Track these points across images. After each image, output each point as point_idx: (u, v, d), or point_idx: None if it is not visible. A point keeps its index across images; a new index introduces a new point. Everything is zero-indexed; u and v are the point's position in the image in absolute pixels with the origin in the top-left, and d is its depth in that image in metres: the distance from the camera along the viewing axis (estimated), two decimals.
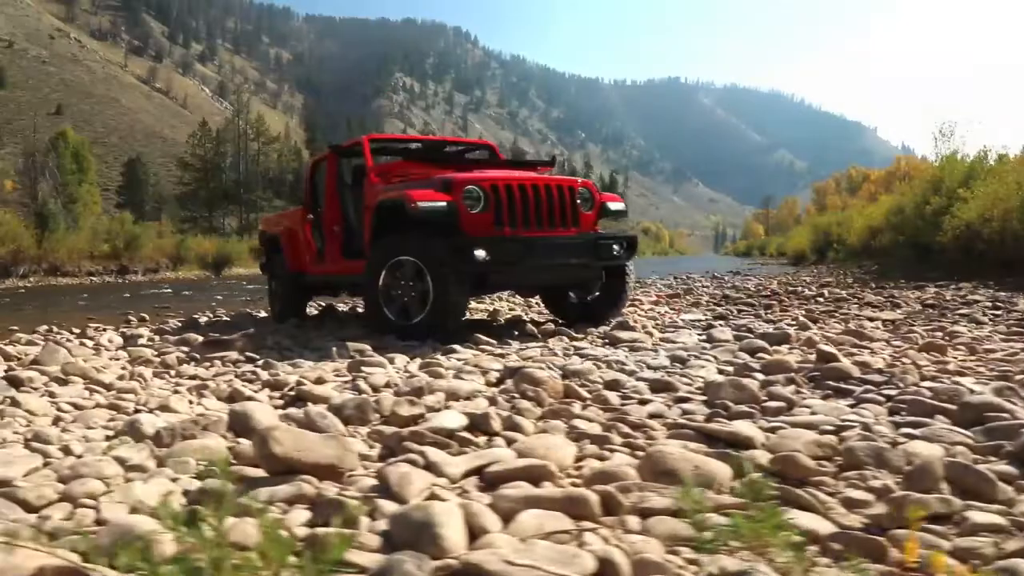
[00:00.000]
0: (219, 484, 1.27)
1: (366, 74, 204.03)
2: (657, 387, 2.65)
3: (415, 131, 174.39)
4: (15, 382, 3.15)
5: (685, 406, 2.33)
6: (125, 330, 5.98)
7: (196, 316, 8.25)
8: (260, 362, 3.64)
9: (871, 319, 5.34)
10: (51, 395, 2.94)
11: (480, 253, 4.08)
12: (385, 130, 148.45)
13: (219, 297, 14.43)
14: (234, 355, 3.83)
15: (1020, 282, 9.56)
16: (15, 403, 2.68)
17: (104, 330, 6.44)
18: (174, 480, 1.64)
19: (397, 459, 1.64)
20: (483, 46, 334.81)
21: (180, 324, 7.07)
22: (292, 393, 2.76)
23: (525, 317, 6.10)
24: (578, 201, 4.69)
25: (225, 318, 7.47)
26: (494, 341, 4.07)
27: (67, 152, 37.46)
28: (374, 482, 1.52)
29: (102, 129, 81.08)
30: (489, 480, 1.53)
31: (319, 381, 2.93)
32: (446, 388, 2.55)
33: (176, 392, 2.86)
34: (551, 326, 4.88)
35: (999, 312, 5.69)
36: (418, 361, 3.51)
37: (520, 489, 1.43)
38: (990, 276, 10.75)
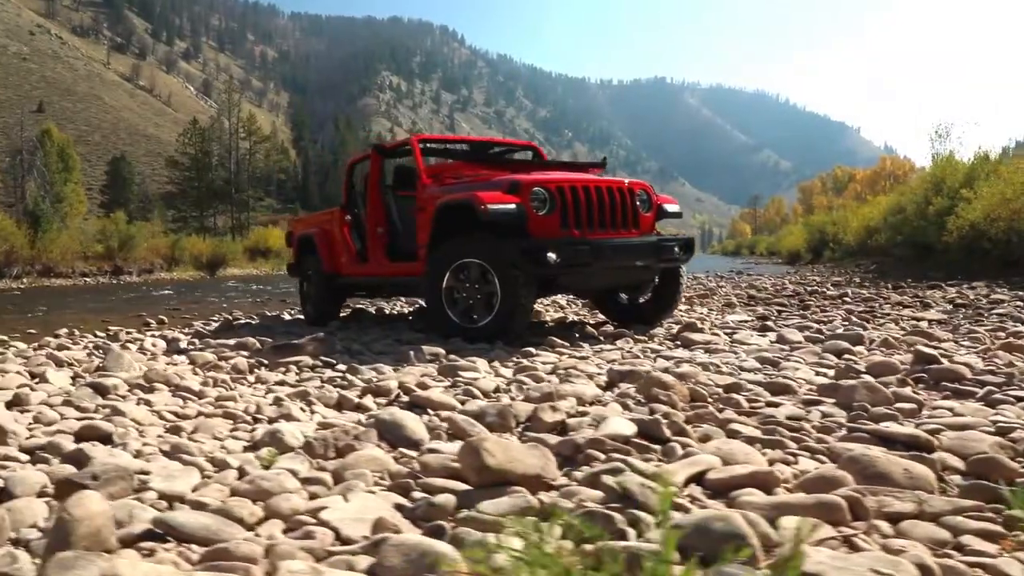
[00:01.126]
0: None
1: (352, 72, 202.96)
2: (774, 389, 2.65)
3: (402, 130, 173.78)
4: (100, 390, 3.09)
5: (822, 408, 2.32)
6: (167, 333, 5.90)
7: (216, 318, 8.17)
8: (342, 367, 3.60)
9: (917, 319, 5.38)
10: (146, 403, 2.88)
11: (552, 255, 4.06)
12: (372, 129, 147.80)
13: (225, 298, 14.31)
14: (307, 359, 3.78)
15: (1021, 280, 9.71)
16: (117, 412, 2.63)
17: (129, 332, 6.36)
18: (371, 493, 1.60)
19: (598, 467, 1.62)
20: (470, 45, 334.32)
21: (209, 327, 7.00)
22: (406, 399, 2.73)
23: (572, 319, 6.10)
24: (637, 203, 4.68)
25: (249, 320, 7.40)
26: (567, 343, 4.06)
27: (52, 150, 36.91)
28: (592, 491, 1.50)
29: (85, 127, 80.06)
30: (714, 487, 1.52)
31: (422, 386, 2.89)
32: (571, 392, 2.52)
33: (279, 400, 2.81)
34: (610, 328, 4.87)
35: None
36: (510, 364, 3.49)
37: (757, 496, 1.41)
38: (994, 275, 10.89)
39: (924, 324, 4.92)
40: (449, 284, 4.46)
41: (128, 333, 6.38)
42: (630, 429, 1.95)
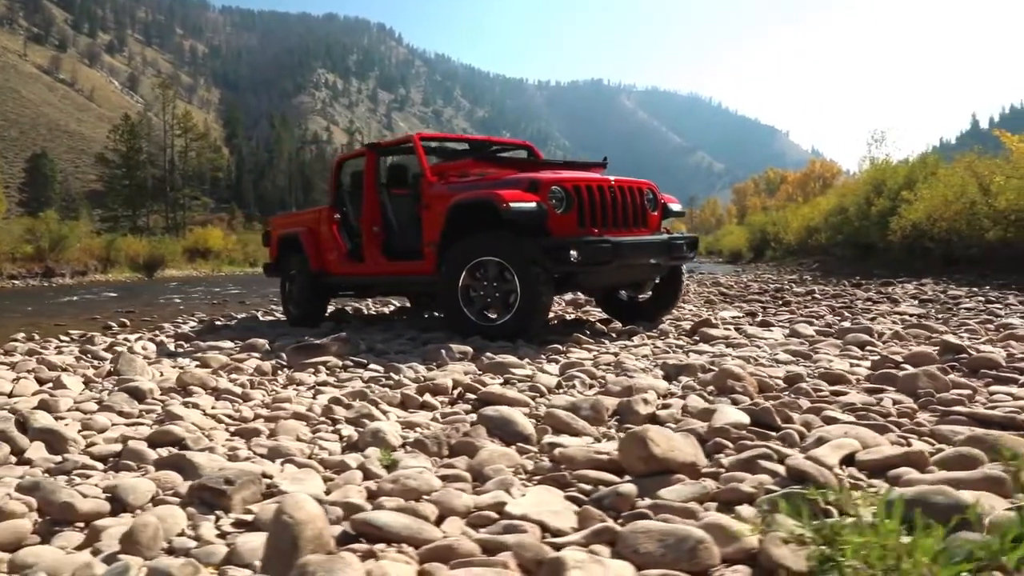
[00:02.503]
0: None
1: (286, 69, 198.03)
2: (830, 379, 2.75)
3: (339, 128, 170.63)
4: (137, 395, 2.96)
5: (890, 396, 2.43)
6: (154, 336, 5.66)
7: (182, 320, 7.87)
8: (376, 367, 3.54)
9: (898, 313, 5.64)
10: (194, 406, 2.77)
11: (574, 253, 4.10)
12: (308, 127, 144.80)
13: (177, 301, 13.78)
14: (333, 360, 3.69)
15: (966, 278, 10.33)
16: (173, 416, 2.52)
17: (104, 335, 6.07)
18: (527, 485, 1.60)
19: (746, 454, 1.65)
20: (407, 44, 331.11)
21: (182, 329, 6.77)
22: (471, 396, 2.71)
23: (568, 317, 6.15)
24: (646, 202, 4.77)
25: (227, 322, 7.16)
26: (592, 341, 4.10)
27: None
28: (750, 476, 1.53)
29: (2, 122, 75.60)
30: (869, 468, 1.58)
31: (481, 384, 2.88)
32: (647, 386, 2.56)
33: (337, 400, 2.74)
34: (617, 325, 4.94)
35: (999, 304, 6.11)
36: (545, 360, 3.50)
37: (917, 474, 1.48)
38: (936, 272, 11.54)
39: (911, 318, 5.17)
40: (465, 282, 4.44)
41: (105, 336, 6.11)
42: (745, 418, 2.00)
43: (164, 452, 2.12)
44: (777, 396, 2.48)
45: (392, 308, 8.33)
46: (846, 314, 5.46)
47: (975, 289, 7.95)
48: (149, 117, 46.92)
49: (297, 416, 2.48)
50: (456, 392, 2.81)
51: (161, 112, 45.60)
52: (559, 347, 3.89)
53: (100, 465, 2.06)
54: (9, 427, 2.35)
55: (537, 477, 1.69)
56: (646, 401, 2.27)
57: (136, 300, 13.70)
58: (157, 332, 6.63)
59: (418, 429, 2.26)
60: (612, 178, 4.66)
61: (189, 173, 48.29)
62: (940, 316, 5.39)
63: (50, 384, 3.43)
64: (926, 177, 15.18)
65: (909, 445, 1.83)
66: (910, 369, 2.79)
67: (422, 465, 1.79)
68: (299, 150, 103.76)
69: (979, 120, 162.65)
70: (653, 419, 2.24)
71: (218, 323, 7.03)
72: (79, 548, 1.47)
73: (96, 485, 1.83)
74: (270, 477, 1.75)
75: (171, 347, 5.20)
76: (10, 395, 3.21)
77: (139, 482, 1.72)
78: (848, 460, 1.64)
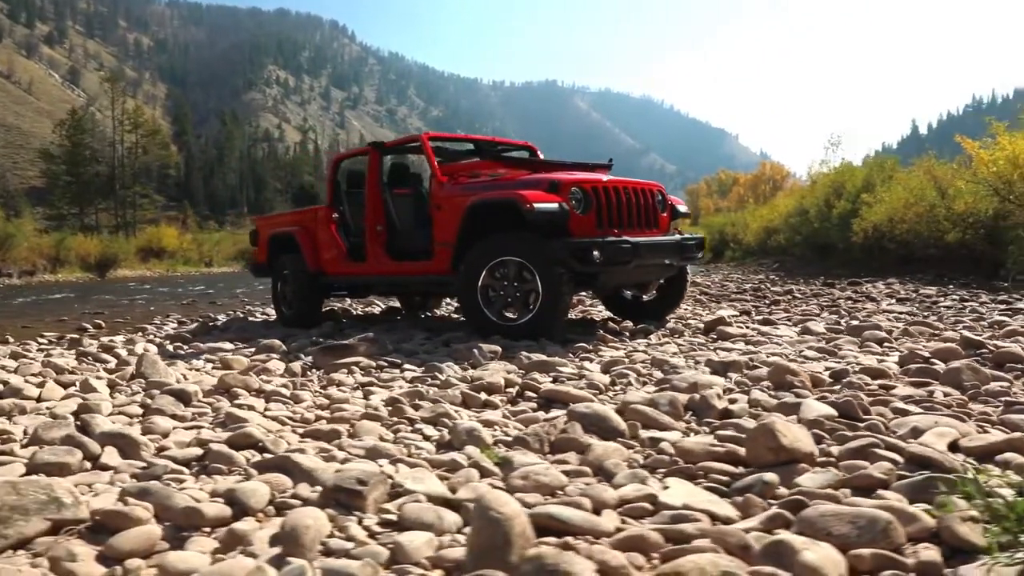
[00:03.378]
0: None
1: (236, 65, 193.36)
2: (871, 374, 2.86)
3: (290, 126, 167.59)
4: (183, 397, 2.89)
5: (940, 389, 2.54)
6: (149, 338, 5.50)
7: (159, 321, 7.66)
8: (412, 366, 3.53)
9: (885, 311, 5.87)
10: (249, 408, 2.73)
11: (597, 254, 4.15)
12: (260, 125, 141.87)
13: (141, 300, 13.39)
14: (364, 360, 3.67)
15: (926, 277, 10.80)
16: (235, 419, 2.48)
17: (90, 338, 5.88)
18: (657, 479, 1.64)
19: (854, 444, 1.73)
20: (361, 42, 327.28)
21: (164, 330, 6.62)
22: (531, 394, 2.74)
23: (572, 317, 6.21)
24: (656, 203, 4.86)
25: (211, 322, 7.01)
26: (616, 339, 4.16)
27: None
28: (862, 462, 1.61)
29: None
30: (975, 454, 1.67)
31: (535, 381, 2.91)
32: (708, 381, 2.63)
33: (395, 401, 2.73)
34: (629, 324, 5.02)
35: (975, 303, 6.40)
36: (578, 359, 3.54)
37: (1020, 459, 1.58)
38: (896, 272, 12.02)
39: (905, 316, 5.38)
40: (485, 282, 4.45)
41: (91, 339, 5.92)
42: (830, 410, 2.08)
43: (248, 455, 2.10)
44: (831, 390, 2.58)
45: (379, 308, 8.27)
46: (842, 311, 5.65)
47: (944, 288, 8.31)
48: (92, 112, 45.10)
49: (368, 416, 2.46)
50: (514, 390, 2.83)
51: (110, 106, 43.97)
52: (586, 346, 3.94)
53: (185, 469, 2.02)
54: (74, 432, 2.28)
55: (661, 470, 1.73)
56: (719, 396, 2.34)
57: (97, 301, 13.24)
58: (140, 334, 6.46)
59: (505, 427, 2.28)
60: (628, 180, 4.74)
61: (138, 170, 46.77)
62: (926, 314, 5.63)
63: (73, 387, 3.32)
64: (884, 180, 15.79)
65: (987, 433, 1.93)
66: (939, 364, 2.94)
67: (536, 462, 1.81)
68: (250, 148, 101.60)
69: (919, 126, 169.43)
70: (727, 414, 2.31)
71: (209, 324, 6.88)
72: (217, 552, 1.45)
73: (201, 489, 1.80)
74: (391, 477, 1.75)
75: (170, 349, 5.08)
76: (39, 399, 3.10)
77: (257, 485, 1.70)
78: (952, 447, 1.73)
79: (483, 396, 2.73)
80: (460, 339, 4.39)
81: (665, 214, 4.99)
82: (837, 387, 2.68)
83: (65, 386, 3.35)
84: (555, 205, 4.20)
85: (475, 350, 3.71)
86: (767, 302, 7.04)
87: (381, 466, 1.91)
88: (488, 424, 2.33)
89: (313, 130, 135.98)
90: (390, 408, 2.57)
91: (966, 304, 6.32)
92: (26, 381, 3.28)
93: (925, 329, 4.30)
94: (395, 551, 1.36)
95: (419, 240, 5.36)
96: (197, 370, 4.00)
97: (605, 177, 4.74)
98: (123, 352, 4.71)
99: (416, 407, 2.55)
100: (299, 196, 68.59)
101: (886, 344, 3.73)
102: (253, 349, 4.49)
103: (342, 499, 1.58)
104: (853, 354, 3.45)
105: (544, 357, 3.41)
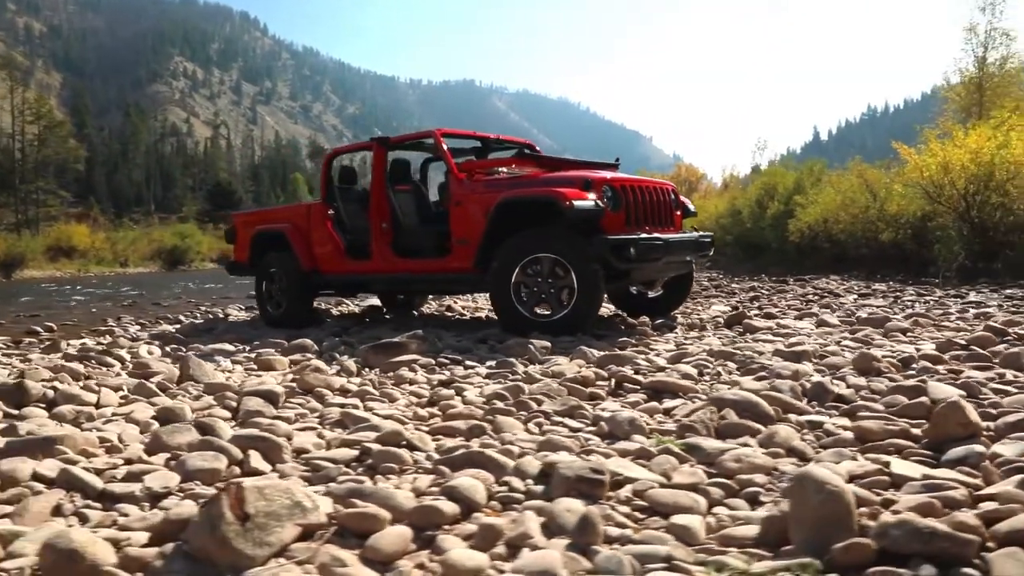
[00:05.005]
0: None
1: (140, 55, 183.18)
2: (930, 360, 3.06)
3: (200, 121, 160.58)
4: (272, 399, 2.78)
5: (1007, 371, 2.75)
6: (145, 340, 5.20)
7: (113, 325, 7.23)
8: (474, 363, 3.51)
9: (865, 305, 6.25)
10: (352, 407, 2.65)
11: (633, 251, 4.24)
12: (167, 118, 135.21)
13: (73, 302, 12.56)
14: (421, 358, 3.62)
15: (860, 274, 11.57)
16: (355, 419, 2.42)
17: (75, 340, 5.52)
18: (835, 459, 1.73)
19: (1011, 418, 1.87)
20: (273, 35, 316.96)
21: (130, 332, 6.29)
22: (632, 386, 2.79)
23: None
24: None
25: (192, 320, 6.69)
26: (656, 334, 4.26)
27: None
28: None
29: None
30: None
31: (630, 373, 2.96)
32: (804, 371, 2.75)
33: (500, 396, 2.72)
34: (646, 319, 5.14)
35: (934, 298, 6.89)
36: (644, 352, 3.61)
37: None
38: (828, 270, 12.80)
39: (878, 309, 5.75)
40: (518, 279, 4.47)
41: (86, 341, 5.59)
42: (956, 391, 2.23)
43: (405, 453, 2.05)
44: (907, 375, 2.75)
45: (360, 307, 8.10)
46: (833, 306, 5.96)
47: (894, 284, 8.89)
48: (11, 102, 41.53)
49: (500, 412, 2.43)
50: (606, 383, 2.87)
51: (9, 96, 40.75)
52: (630, 340, 4.03)
53: (349, 470, 1.96)
54: (212, 437, 2.17)
55: (849, 448, 1.83)
56: (832, 385, 2.46)
57: (21, 304, 12.31)
58: (109, 336, 6.12)
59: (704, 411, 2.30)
60: (647, 179, 4.86)
61: (39, 164, 43.55)
62: (901, 307, 6.02)
63: (124, 391, 3.13)
64: (814, 183, 16.70)
65: None
66: (977, 349, 3.19)
67: (731, 446, 1.87)
68: (157, 143, 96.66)
69: (820, 133, 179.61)
70: (839, 398, 2.44)
71: (196, 325, 6.59)
72: (476, 548, 1.42)
73: (397, 487, 1.76)
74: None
75: (169, 351, 4.84)
76: (97, 405, 2.91)
77: (472, 481, 1.67)
78: None
79: (588, 389, 2.76)
80: (494, 336, 4.39)
81: (679, 213, 5.14)
82: (911, 372, 2.86)
83: (114, 390, 3.15)
84: (591, 203, 4.27)
85: (530, 345, 3.73)
86: (748, 298, 7.34)
87: (587, 458, 1.90)
88: (607, 416, 2.35)
89: (225, 125, 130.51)
90: (499, 404, 2.56)
91: (926, 298, 6.79)
92: (69, 387, 3.05)
93: (928, 321, 4.62)
94: (680, 534, 1.39)
95: (430, 237, 5.31)
96: (229, 371, 3.84)
97: (633, 177, 4.84)
98: (144, 353, 4.45)
99: (538, 401, 2.55)
100: (215, 194, 65.88)
101: (909, 334, 3.99)
102: (257, 349, 4.36)
103: (584, 489, 1.59)
104: (889, 343, 3.67)
105: (616, 351, 3.47)
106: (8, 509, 1.71)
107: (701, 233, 5.19)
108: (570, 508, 1.48)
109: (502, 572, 1.30)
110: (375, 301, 8.10)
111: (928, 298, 6.77)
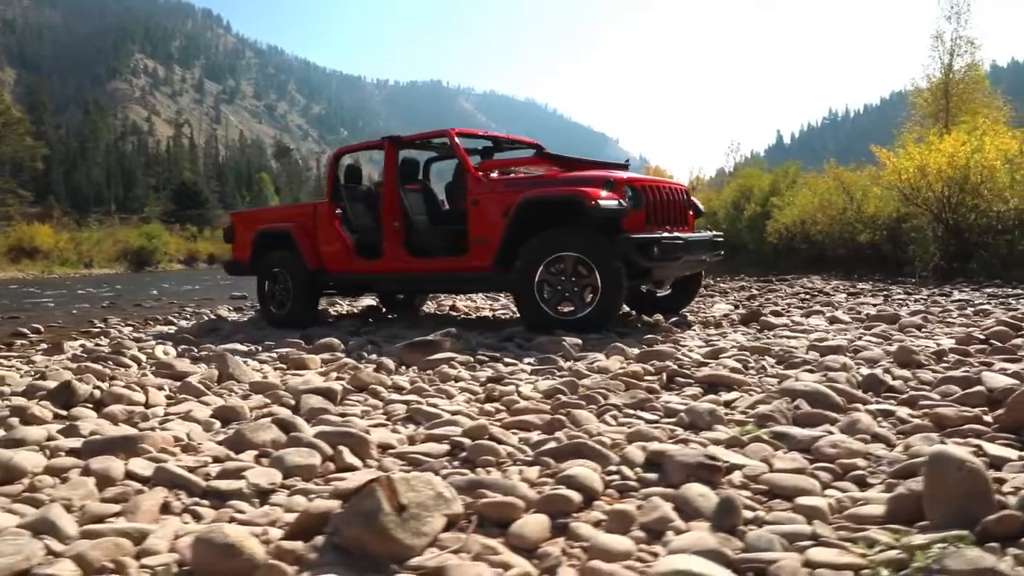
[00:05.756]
0: None
1: (99, 52, 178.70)
2: (960, 353, 3.19)
3: (161, 119, 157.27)
4: (331, 396, 2.79)
5: None
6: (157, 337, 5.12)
7: (100, 327, 7.08)
8: (512, 360, 3.54)
9: (863, 303, 6.43)
10: (416, 403, 2.67)
11: (656, 250, 4.32)
12: (128, 117, 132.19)
13: (46, 304, 12.23)
14: (458, 356, 3.64)
15: (838, 273, 11.89)
16: (428, 415, 2.44)
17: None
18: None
19: None
20: (237, 33, 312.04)
21: (125, 332, 6.20)
22: (688, 380, 2.85)
23: None
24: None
25: (191, 321, 6.59)
26: (678, 331, 4.35)
27: None
28: None
29: None
30: None
31: (682, 368, 3.03)
32: (850, 363, 2.85)
33: (559, 392, 2.76)
34: (660, 317, 5.23)
35: (920, 296, 7.11)
36: (691, 347, 3.69)
37: None
38: (804, 270, 13.12)
39: (887, 307, 5.93)
40: (541, 278, 4.51)
41: (84, 343, 5.50)
42: (1011, 380, 2.34)
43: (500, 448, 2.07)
44: (944, 367, 2.87)
45: (354, 308, 8.05)
46: (834, 304, 6.12)
47: (878, 284, 9.15)
48: None
49: (570, 406, 2.47)
50: (664, 377, 2.93)
51: None
52: (656, 337, 4.10)
53: (446, 464, 1.98)
54: (295, 434, 2.18)
55: (932, 434, 1.92)
56: (885, 372, 2.57)
57: None
58: (103, 337, 6.01)
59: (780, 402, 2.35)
60: (662, 179, 4.95)
61: None
62: (895, 305, 6.21)
63: (163, 392, 3.09)
64: (788, 185, 17.07)
65: None
66: (997, 343, 3.33)
67: (820, 434, 1.94)
68: (117, 141, 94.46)
69: (783, 136, 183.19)
70: (891, 390, 2.54)
71: (203, 325, 6.50)
72: (615, 533, 1.46)
73: (506, 479, 1.78)
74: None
75: (180, 352, 4.78)
76: (146, 405, 2.88)
77: (585, 471, 1.71)
78: None
79: (643, 383, 2.82)
80: (519, 334, 4.43)
81: (692, 212, 5.24)
82: (946, 363, 2.98)
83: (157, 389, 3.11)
84: (615, 202, 4.34)
85: (564, 342, 3.78)
86: (745, 297, 7.50)
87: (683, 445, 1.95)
88: (667, 413, 2.41)
89: (188, 124, 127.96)
90: (562, 398, 2.60)
91: (914, 297, 7.01)
92: (115, 387, 3.00)
93: (932, 316, 4.79)
94: (809, 514, 1.46)
95: (443, 236, 5.33)
96: (260, 371, 3.82)
97: (650, 177, 4.93)
98: (159, 353, 4.40)
99: (603, 395, 2.60)
100: (180, 194, 64.56)
101: (924, 330, 4.14)
102: (275, 349, 4.36)
103: (703, 475, 1.64)
104: (908, 339, 3.80)
105: (645, 347, 3.54)
106: (115, 508, 1.70)
107: (714, 233, 5.30)
108: (702, 493, 1.54)
109: (655, 555, 1.35)
110: (369, 301, 8.08)
111: (917, 296, 6.98)
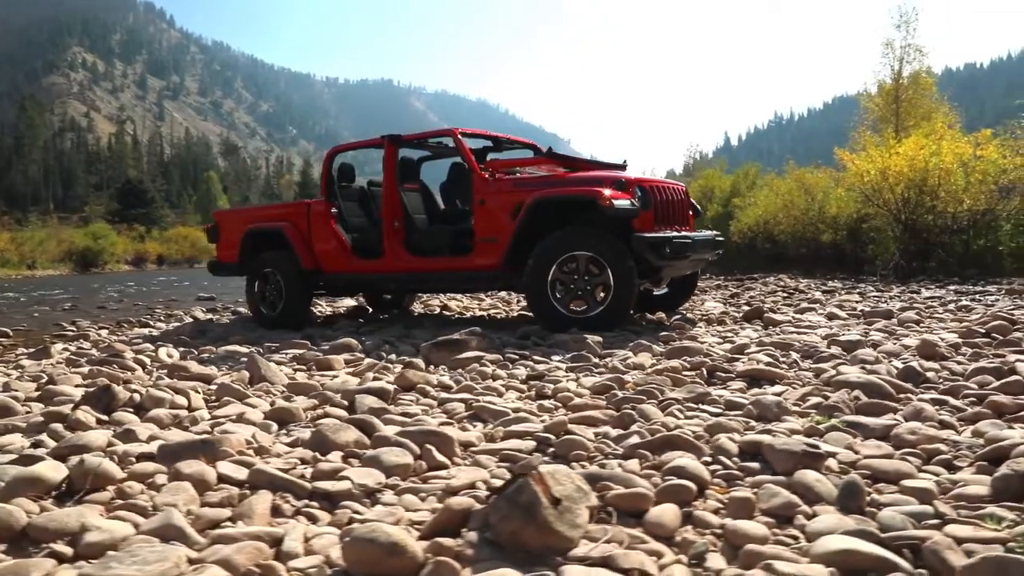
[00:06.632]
0: None
1: (34, 45, 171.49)
2: (970, 346, 3.38)
3: (101, 116, 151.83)
4: (381, 395, 2.79)
5: None
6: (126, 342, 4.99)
7: (73, 331, 6.85)
8: (541, 358, 3.59)
9: (846, 300, 6.68)
10: (474, 401, 2.70)
11: (668, 249, 4.43)
12: (66, 112, 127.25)
13: (4, 308, 11.72)
14: (487, 355, 3.67)
15: (800, 272, 12.31)
16: (498, 413, 2.47)
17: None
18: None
19: None
20: (181, 27, 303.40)
21: (143, 333, 6.04)
22: (729, 375, 2.95)
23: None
24: None
25: (177, 323, 6.43)
26: (688, 327, 4.46)
27: None
28: None
29: None
30: None
31: (717, 363, 3.12)
32: (879, 357, 3.00)
33: (604, 388, 2.82)
34: (662, 315, 5.34)
35: (893, 293, 7.42)
36: (710, 343, 3.79)
37: None
38: (766, 269, 13.53)
39: (875, 304, 6.17)
40: (554, 277, 4.57)
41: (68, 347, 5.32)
42: None
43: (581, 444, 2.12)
44: (959, 359, 3.04)
45: (338, 309, 7.96)
46: (822, 302, 6.34)
47: (846, 282, 9.50)
48: None
49: (631, 401, 2.53)
50: (705, 372, 3.02)
51: None
52: (671, 334, 4.20)
53: (537, 458, 2.02)
54: (379, 434, 2.18)
55: (998, 420, 2.04)
56: (920, 366, 2.71)
57: None
58: (82, 342, 5.83)
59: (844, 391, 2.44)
60: (665, 180, 5.07)
61: None
62: (879, 302, 6.47)
63: (201, 395, 3.04)
64: (749, 186, 17.54)
65: None
66: (1000, 336, 3.54)
67: (891, 422, 2.05)
68: (55, 137, 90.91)
69: (731, 138, 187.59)
70: (926, 380, 2.68)
71: (194, 327, 6.34)
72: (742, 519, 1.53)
73: (623, 471, 1.81)
74: None
75: (201, 353, 4.69)
76: (189, 408, 2.83)
77: (693, 462, 1.78)
78: None
79: (686, 378, 2.90)
80: (535, 332, 4.48)
81: (691, 212, 5.37)
82: (963, 356, 3.15)
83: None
84: (628, 202, 4.43)
85: (588, 340, 3.84)
86: (729, 295, 7.70)
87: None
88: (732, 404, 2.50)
89: (131, 120, 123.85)
90: (619, 394, 2.67)
91: (886, 295, 7.30)
92: (155, 391, 2.94)
93: (924, 313, 5.02)
94: (919, 496, 1.55)
95: (445, 235, 5.34)
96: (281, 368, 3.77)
97: (655, 178, 5.04)
98: (163, 356, 4.29)
99: (659, 390, 2.67)
100: (126, 193, 62.43)
101: (922, 325, 4.34)
102: (280, 351, 4.34)
103: (808, 463, 1.72)
104: (910, 333, 3.99)
105: (691, 343, 3.63)
106: (226, 512, 1.69)
107: (715, 232, 5.44)
108: (819, 479, 1.62)
109: (795, 538, 1.42)
110: (351, 302, 8.00)
111: (890, 294, 7.27)
